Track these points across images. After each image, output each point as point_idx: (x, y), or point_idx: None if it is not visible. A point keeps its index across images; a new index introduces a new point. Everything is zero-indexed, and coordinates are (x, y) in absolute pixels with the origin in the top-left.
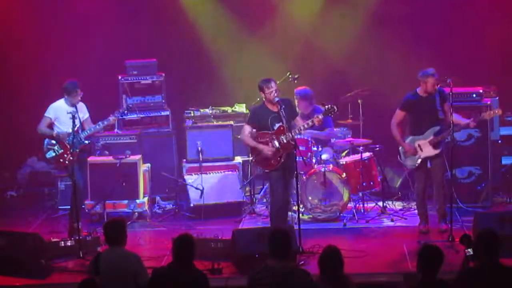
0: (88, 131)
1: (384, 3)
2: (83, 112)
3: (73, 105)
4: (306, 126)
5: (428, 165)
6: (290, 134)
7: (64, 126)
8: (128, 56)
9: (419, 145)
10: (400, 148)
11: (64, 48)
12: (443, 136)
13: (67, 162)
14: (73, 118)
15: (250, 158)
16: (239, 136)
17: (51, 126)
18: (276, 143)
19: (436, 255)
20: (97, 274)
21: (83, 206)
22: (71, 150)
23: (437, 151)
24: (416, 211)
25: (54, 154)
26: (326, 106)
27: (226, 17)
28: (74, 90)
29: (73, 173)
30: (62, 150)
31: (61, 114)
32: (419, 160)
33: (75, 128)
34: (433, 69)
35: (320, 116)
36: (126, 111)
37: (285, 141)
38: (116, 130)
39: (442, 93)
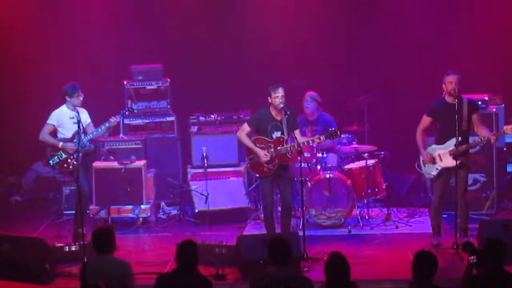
0: (91, 135)
1: (389, 10)
2: (85, 117)
3: (75, 109)
4: (305, 144)
5: (452, 178)
6: (288, 147)
7: (68, 131)
8: (134, 61)
9: (439, 155)
10: (420, 156)
11: (70, 53)
12: (464, 148)
13: (71, 167)
14: (78, 122)
15: (246, 160)
16: (236, 133)
17: (53, 133)
18: (273, 152)
19: (430, 260)
20: (85, 282)
21: (87, 211)
22: (75, 155)
23: (456, 163)
24: (419, 217)
25: (58, 159)
26: (330, 129)
27: (232, 22)
28: (75, 92)
29: (78, 178)
30: (65, 155)
31: (64, 119)
32: (436, 171)
33: (77, 134)
34: (453, 70)
35: (322, 138)
36: (127, 112)
37: (282, 152)
38: (121, 135)
39: (472, 104)
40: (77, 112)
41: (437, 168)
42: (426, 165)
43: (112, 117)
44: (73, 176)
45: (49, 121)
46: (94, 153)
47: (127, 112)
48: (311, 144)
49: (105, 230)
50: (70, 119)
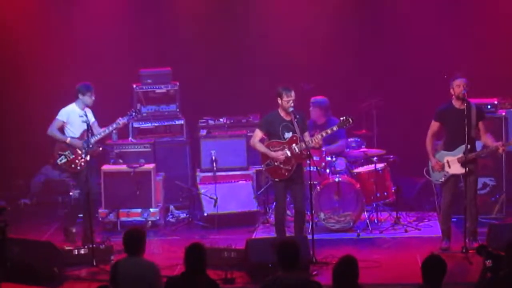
0: (98, 135)
1: (398, 12)
2: (90, 117)
3: (86, 107)
4: (320, 137)
5: (460, 183)
6: (303, 144)
7: (76, 130)
8: (143, 65)
9: (447, 161)
10: (429, 161)
11: (79, 57)
12: (472, 156)
13: (78, 167)
14: (88, 126)
15: (262, 166)
16: (250, 142)
17: (61, 129)
18: (288, 153)
19: (439, 264)
20: (115, 282)
21: (96, 215)
22: (83, 156)
23: (464, 171)
24: (428, 221)
25: (65, 159)
26: (341, 118)
27: (242, 26)
28: (88, 91)
29: (88, 180)
30: (73, 156)
31: (74, 117)
32: (444, 178)
33: (85, 133)
34: (461, 73)
35: (335, 128)
36: (134, 113)
37: (297, 150)
38: (130, 138)
39: (480, 110)
40: (86, 114)
41: (445, 175)
42: (434, 171)
43: (120, 119)
44: (80, 178)
45: (59, 117)
46: (101, 155)
47: (134, 113)
48: (324, 135)
49: (137, 232)
50: (79, 117)
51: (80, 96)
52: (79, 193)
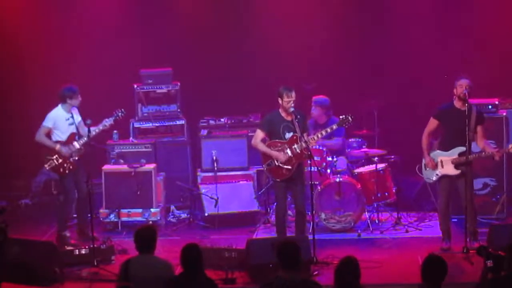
0: (85, 138)
1: (399, 12)
2: (77, 117)
3: (71, 111)
4: (319, 135)
5: (456, 182)
6: (303, 143)
7: (63, 134)
8: (144, 65)
9: (441, 161)
10: (423, 159)
11: (80, 57)
12: (467, 159)
13: (67, 171)
14: (77, 129)
15: (263, 166)
16: (251, 142)
17: (48, 135)
18: (289, 152)
19: (438, 265)
20: (127, 280)
21: (97, 215)
22: (71, 160)
23: (457, 172)
24: (429, 221)
25: (54, 164)
26: (341, 117)
27: (243, 26)
28: (75, 93)
29: (78, 181)
30: (61, 160)
31: (60, 122)
32: (436, 177)
33: (73, 135)
34: (465, 74)
35: (334, 126)
36: (120, 114)
37: (298, 150)
38: (131, 138)
39: (480, 114)
40: (72, 115)
41: (437, 174)
42: (427, 169)
43: (106, 120)
44: (66, 180)
45: (45, 124)
46: (85, 154)
47: (119, 114)
48: (324, 134)
49: (149, 229)
50: (65, 121)
51: (68, 101)
52: (64, 197)
